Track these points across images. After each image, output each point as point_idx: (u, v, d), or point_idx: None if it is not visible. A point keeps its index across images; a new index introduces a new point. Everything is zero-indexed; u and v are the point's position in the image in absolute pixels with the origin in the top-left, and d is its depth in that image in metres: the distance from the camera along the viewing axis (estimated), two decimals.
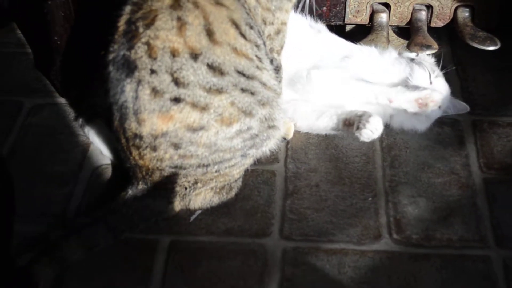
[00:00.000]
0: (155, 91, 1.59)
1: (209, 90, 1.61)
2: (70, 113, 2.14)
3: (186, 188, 1.75)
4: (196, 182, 1.74)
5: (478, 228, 1.78)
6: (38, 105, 2.18)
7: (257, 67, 1.70)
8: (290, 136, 2.02)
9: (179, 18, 1.61)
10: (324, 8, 2.26)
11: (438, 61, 2.10)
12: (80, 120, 2.04)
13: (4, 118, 2.14)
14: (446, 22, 2.31)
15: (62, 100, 2.19)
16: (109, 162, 1.98)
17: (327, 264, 1.71)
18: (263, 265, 1.71)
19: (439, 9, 2.27)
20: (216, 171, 1.72)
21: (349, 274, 1.69)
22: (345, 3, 2.25)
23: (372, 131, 1.89)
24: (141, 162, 1.69)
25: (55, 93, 2.20)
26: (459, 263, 1.71)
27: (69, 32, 2.03)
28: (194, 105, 1.61)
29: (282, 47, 1.90)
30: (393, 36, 2.39)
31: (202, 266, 1.72)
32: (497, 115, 2.10)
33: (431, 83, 1.99)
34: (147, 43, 1.60)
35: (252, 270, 1.70)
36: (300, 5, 1.99)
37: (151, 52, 1.59)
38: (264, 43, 1.78)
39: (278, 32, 1.84)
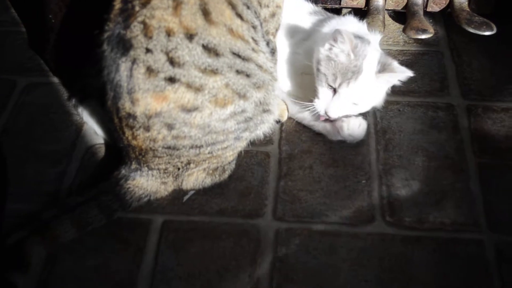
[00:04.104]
0: (150, 70, 1.58)
1: (204, 71, 1.60)
2: (64, 92, 2.14)
3: (179, 169, 1.75)
4: (189, 163, 1.74)
5: (471, 212, 1.79)
6: (32, 84, 2.17)
7: (253, 49, 1.70)
8: (284, 118, 2.02)
9: None
10: None
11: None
12: (74, 100, 2.03)
13: None
14: (442, 7, 2.31)
15: (55, 80, 2.18)
16: (102, 141, 1.98)
17: (319, 246, 1.71)
18: (256, 245, 1.72)
19: None
20: (209, 153, 1.72)
21: (342, 255, 1.69)
22: None
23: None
24: (134, 142, 1.68)
25: (49, 72, 2.20)
26: (451, 247, 1.71)
27: (64, 11, 2.02)
28: (189, 86, 1.60)
29: (277, 30, 1.89)
30: (389, 20, 2.39)
31: (195, 246, 1.72)
32: (492, 100, 2.10)
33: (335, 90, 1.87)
34: (143, 22, 1.59)
35: (245, 250, 1.71)
36: None
37: (146, 31, 1.58)
38: (261, 24, 1.77)
39: (273, 14, 1.83)
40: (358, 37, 1.88)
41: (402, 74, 1.86)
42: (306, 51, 1.96)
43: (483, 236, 1.74)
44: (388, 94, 1.97)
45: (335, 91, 1.86)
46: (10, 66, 2.25)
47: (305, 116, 1.98)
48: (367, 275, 1.66)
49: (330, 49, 1.86)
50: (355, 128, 1.91)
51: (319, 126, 1.96)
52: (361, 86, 1.84)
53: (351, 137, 1.92)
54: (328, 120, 1.92)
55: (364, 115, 1.96)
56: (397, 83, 1.92)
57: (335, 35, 1.83)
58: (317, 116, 1.94)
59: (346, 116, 1.92)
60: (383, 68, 1.85)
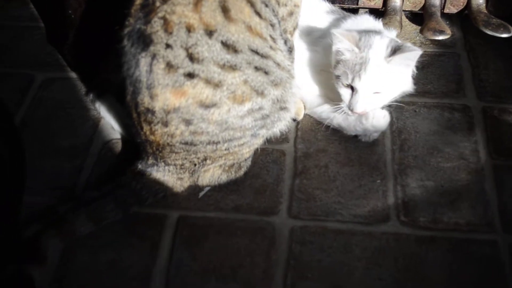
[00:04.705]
0: (169, 66, 1.59)
1: (223, 67, 1.61)
2: (82, 87, 2.15)
3: (195, 165, 1.76)
4: (205, 159, 1.74)
5: (485, 213, 1.79)
6: (50, 79, 2.19)
7: (271, 47, 1.70)
8: (300, 116, 2.03)
9: None
10: None
11: None
12: (91, 95, 2.05)
13: (16, 91, 2.15)
14: (459, 9, 2.31)
15: (73, 75, 2.20)
16: (119, 136, 1.99)
17: (334, 244, 1.72)
18: (271, 242, 1.72)
19: None
20: (225, 149, 1.73)
21: (356, 254, 1.70)
22: None
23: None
24: (152, 137, 1.69)
25: (67, 68, 2.21)
26: (465, 247, 1.71)
27: (83, 6, 2.03)
28: (208, 81, 1.61)
29: (295, 29, 1.90)
30: (406, 21, 2.39)
31: (210, 242, 1.73)
32: (508, 102, 2.10)
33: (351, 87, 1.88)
34: (164, 18, 1.60)
35: (260, 247, 1.71)
36: None
37: (167, 27, 1.59)
38: (279, 23, 1.78)
39: (291, 13, 1.84)
40: (364, 31, 1.90)
41: (410, 52, 1.83)
42: (324, 49, 1.97)
43: (497, 237, 1.74)
44: (404, 96, 1.98)
45: (352, 88, 1.86)
46: (28, 61, 2.27)
47: (324, 109, 1.99)
48: (381, 274, 1.66)
49: (337, 52, 1.88)
50: (380, 118, 1.91)
51: (339, 118, 1.96)
52: (372, 74, 1.83)
53: (373, 128, 1.92)
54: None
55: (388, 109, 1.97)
56: (413, 63, 1.88)
57: (332, 38, 1.86)
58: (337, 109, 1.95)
59: None
60: (393, 52, 1.84)
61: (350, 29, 1.93)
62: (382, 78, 1.84)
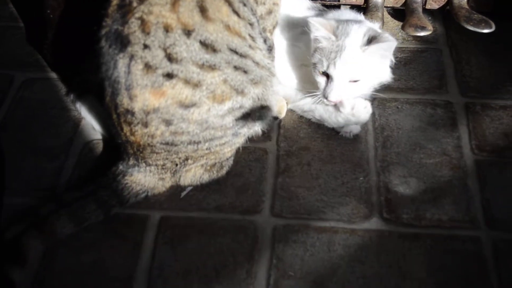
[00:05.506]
0: (147, 67, 1.59)
1: (201, 66, 1.60)
2: (62, 87, 2.14)
3: (176, 165, 1.75)
4: (186, 159, 1.74)
5: (468, 209, 1.79)
6: (30, 79, 2.17)
7: (250, 46, 1.70)
8: (282, 115, 2.02)
9: None
10: None
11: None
12: (72, 96, 2.04)
13: None
14: (441, 4, 2.31)
15: (53, 75, 2.18)
16: (100, 137, 1.98)
17: (317, 242, 1.71)
18: (253, 242, 1.72)
19: None
20: (207, 149, 1.72)
21: (339, 252, 1.69)
22: None
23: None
24: (132, 138, 1.68)
25: (47, 68, 2.20)
26: (448, 243, 1.71)
27: (62, 6, 2.02)
28: (187, 81, 1.60)
29: (274, 27, 1.89)
30: (387, 17, 2.39)
31: (192, 242, 1.72)
32: (490, 98, 2.10)
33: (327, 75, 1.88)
34: (141, 18, 1.59)
35: (242, 246, 1.71)
36: None
37: (144, 27, 1.58)
38: (258, 21, 1.77)
39: (269, 12, 1.83)
40: (344, 20, 1.89)
41: (385, 43, 1.81)
42: (306, 44, 1.97)
43: (480, 233, 1.74)
44: (386, 91, 1.97)
45: (328, 76, 1.86)
46: (8, 61, 2.25)
47: (307, 101, 1.99)
48: (364, 271, 1.66)
49: (315, 40, 1.88)
50: (361, 108, 1.90)
51: (320, 110, 1.96)
52: (347, 62, 1.82)
53: (354, 118, 1.92)
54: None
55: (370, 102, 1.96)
56: (389, 54, 1.85)
57: (308, 26, 1.85)
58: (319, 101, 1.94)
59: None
60: (369, 41, 1.83)
61: (329, 18, 1.93)
62: (357, 67, 1.83)
